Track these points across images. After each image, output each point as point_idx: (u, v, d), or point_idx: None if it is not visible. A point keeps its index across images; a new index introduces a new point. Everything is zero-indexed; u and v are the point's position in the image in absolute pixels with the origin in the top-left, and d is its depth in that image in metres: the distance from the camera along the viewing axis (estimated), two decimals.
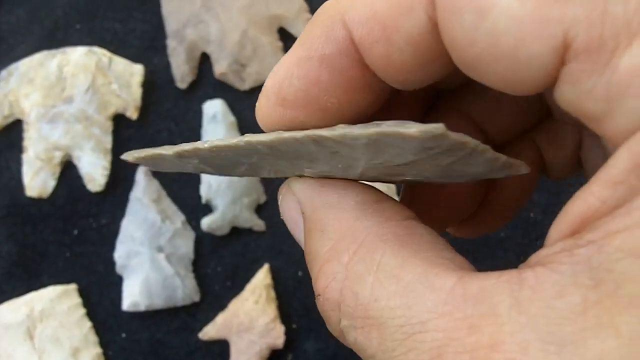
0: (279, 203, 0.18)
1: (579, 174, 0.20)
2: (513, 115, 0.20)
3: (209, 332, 0.39)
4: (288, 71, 0.16)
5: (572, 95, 0.13)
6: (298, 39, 0.16)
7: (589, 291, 0.11)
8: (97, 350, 0.39)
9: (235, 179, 0.39)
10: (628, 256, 0.11)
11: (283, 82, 0.16)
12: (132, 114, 0.41)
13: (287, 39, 0.42)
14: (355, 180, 0.17)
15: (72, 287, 0.40)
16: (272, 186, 0.40)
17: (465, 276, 0.13)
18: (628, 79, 0.12)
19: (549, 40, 0.12)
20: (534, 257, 0.13)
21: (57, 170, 0.41)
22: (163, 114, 0.41)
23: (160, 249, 0.40)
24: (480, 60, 0.14)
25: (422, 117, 0.20)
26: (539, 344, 0.11)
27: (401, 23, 0.14)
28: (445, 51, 0.14)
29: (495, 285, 0.12)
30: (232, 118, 0.41)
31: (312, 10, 0.42)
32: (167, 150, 0.17)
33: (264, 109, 0.17)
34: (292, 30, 0.42)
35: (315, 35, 0.16)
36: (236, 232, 0.40)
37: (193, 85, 0.42)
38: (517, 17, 0.13)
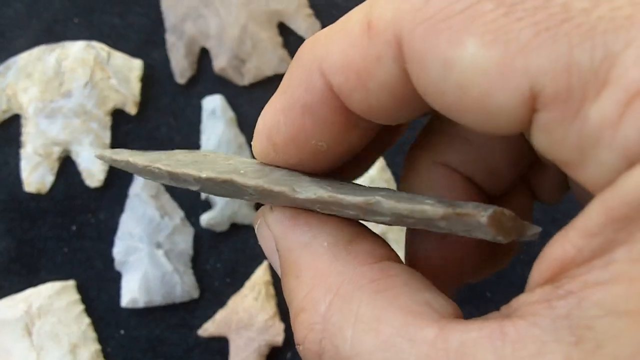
0: (256, 231, 0.18)
1: (570, 193, 0.20)
2: (501, 162, 0.19)
3: (208, 328, 0.39)
4: (275, 118, 0.16)
5: (545, 142, 0.13)
6: (281, 83, 0.16)
7: (570, 349, 0.11)
8: (96, 346, 0.39)
9: None
10: (607, 314, 0.11)
11: (272, 128, 0.16)
12: (131, 109, 0.41)
13: (286, 34, 0.42)
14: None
15: (71, 283, 0.40)
16: None
17: (445, 327, 0.13)
18: (599, 130, 0.12)
19: (516, 92, 0.12)
20: (515, 302, 0.13)
21: (56, 165, 0.40)
22: (162, 109, 0.41)
23: (159, 245, 0.39)
24: (452, 108, 0.13)
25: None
26: None
27: (374, 72, 0.14)
28: (418, 97, 0.14)
29: (477, 340, 0.12)
30: (231, 113, 0.41)
31: (312, 5, 0.41)
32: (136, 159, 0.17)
33: (258, 148, 0.17)
34: (292, 25, 0.42)
35: (295, 84, 0.16)
36: (235, 229, 0.40)
37: (192, 81, 0.41)
38: (482, 69, 0.12)
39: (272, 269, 0.39)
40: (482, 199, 0.19)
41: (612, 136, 0.11)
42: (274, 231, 0.17)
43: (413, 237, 0.19)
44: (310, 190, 0.15)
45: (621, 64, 0.11)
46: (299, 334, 0.15)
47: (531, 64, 0.12)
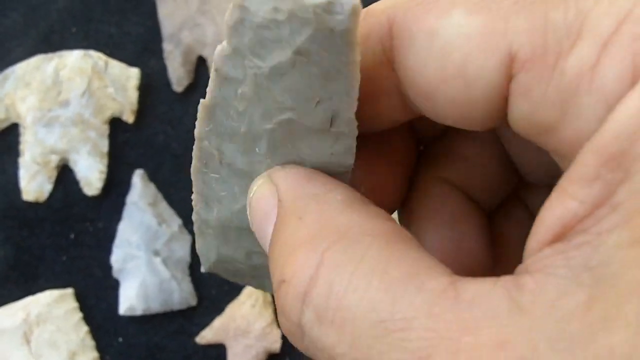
0: (250, 195, 0.16)
1: None
2: (495, 178, 0.19)
3: (206, 336, 0.39)
4: None
5: (524, 108, 0.13)
6: None
7: (591, 289, 0.11)
8: (94, 354, 0.39)
9: None
10: (624, 248, 0.11)
11: None
12: (129, 117, 0.41)
13: None
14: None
15: (69, 291, 0.40)
16: None
17: (458, 281, 0.12)
18: (577, 78, 0.12)
19: (495, 53, 0.13)
20: (520, 268, 0.12)
21: (54, 174, 0.41)
22: (159, 117, 0.41)
23: (156, 253, 0.40)
24: (432, 85, 0.14)
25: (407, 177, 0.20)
26: (548, 342, 0.10)
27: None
28: (398, 90, 0.15)
29: (492, 290, 0.11)
30: None
31: None
32: None
33: None
34: None
35: None
36: None
37: (189, 89, 0.42)
38: (465, 33, 0.13)
39: None
40: (478, 212, 0.19)
41: (590, 81, 0.12)
42: (280, 184, 0.15)
43: (421, 235, 0.19)
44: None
45: (592, 16, 0.12)
46: (286, 270, 0.13)
47: (510, 26, 0.13)
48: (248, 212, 0.16)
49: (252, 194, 0.16)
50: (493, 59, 0.13)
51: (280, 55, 0.14)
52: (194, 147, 0.17)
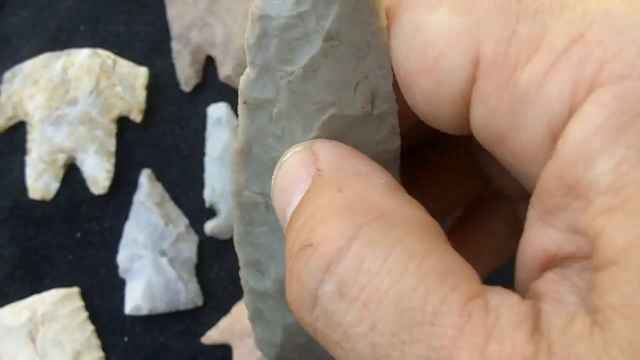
0: (282, 159, 0.15)
1: None
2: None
3: (211, 336, 0.39)
4: None
5: (482, 114, 0.13)
6: None
7: (593, 313, 0.11)
8: (99, 354, 0.39)
9: None
10: (600, 273, 0.11)
11: None
12: (136, 116, 0.41)
13: None
14: None
15: (75, 290, 0.40)
16: None
17: (488, 290, 0.12)
18: (526, 92, 0.12)
19: (465, 53, 0.13)
20: (529, 292, 0.13)
21: (61, 172, 0.40)
22: (167, 117, 0.41)
23: (163, 253, 0.40)
24: (410, 77, 0.14)
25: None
26: None
27: None
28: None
29: (518, 307, 0.12)
30: (236, 122, 0.41)
31: None
32: None
33: None
34: None
35: None
36: None
37: (197, 89, 0.41)
38: (444, 30, 0.13)
39: None
40: (504, 200, 0.20)
41: (536, 95, 0.12)
42: (322, 155, 0.14)
43: None
44: None
45: (551, 33, 0.12)
46: (314, 235, 0.13)
47: (482, 29, 0.13)
48: (274, 177, 0.15)
49: (284, 158, 0.15)
50: (462, 60, 0.13)
51: (311, 49, 0.14)
52: (232, 211, 0.16)
